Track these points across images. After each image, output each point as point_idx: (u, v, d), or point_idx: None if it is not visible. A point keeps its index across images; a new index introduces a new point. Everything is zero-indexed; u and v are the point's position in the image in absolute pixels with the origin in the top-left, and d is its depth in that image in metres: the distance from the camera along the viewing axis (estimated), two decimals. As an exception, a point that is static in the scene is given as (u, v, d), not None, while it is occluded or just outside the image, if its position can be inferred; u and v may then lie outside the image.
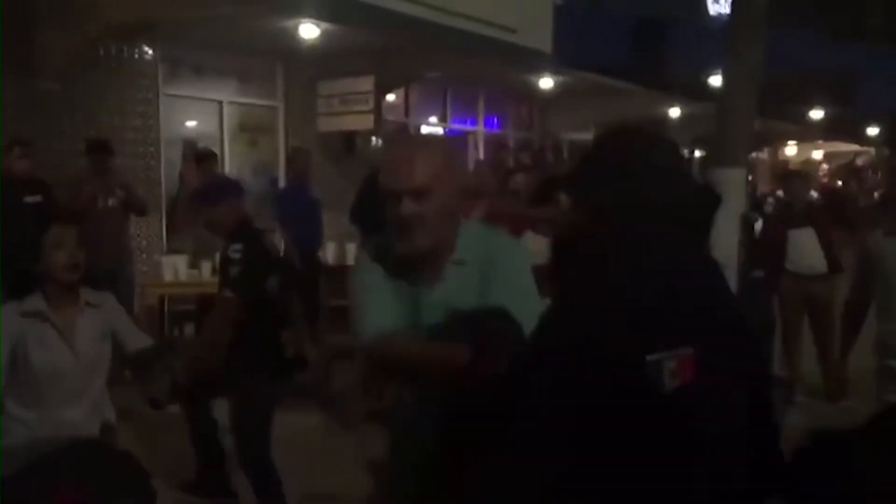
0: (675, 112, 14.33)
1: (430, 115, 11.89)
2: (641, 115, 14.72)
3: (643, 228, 1.56)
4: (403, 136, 2.66)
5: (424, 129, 12.02)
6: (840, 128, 16.23)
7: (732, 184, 6.35)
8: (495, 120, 13.18)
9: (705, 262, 1.65)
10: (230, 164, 9.45)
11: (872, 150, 20.93)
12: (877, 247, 3.56)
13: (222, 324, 3.87)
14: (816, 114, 13.38)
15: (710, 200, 1.69)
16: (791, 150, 21.64)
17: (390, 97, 10.86)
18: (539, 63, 9.67)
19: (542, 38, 9.37)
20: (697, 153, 16.78)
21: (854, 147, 20.80)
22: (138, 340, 3.40)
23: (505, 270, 1.95)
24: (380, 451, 5.38)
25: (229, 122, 9.50)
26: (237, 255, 3.74)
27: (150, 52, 8.49)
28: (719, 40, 11.21)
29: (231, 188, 4.16)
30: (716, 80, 10.91)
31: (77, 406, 3.13)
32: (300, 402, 6.47)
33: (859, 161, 20.99)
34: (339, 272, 8.01)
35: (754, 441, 1.58)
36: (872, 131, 17.38)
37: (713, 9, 14.21)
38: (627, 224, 1.56)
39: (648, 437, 1.44)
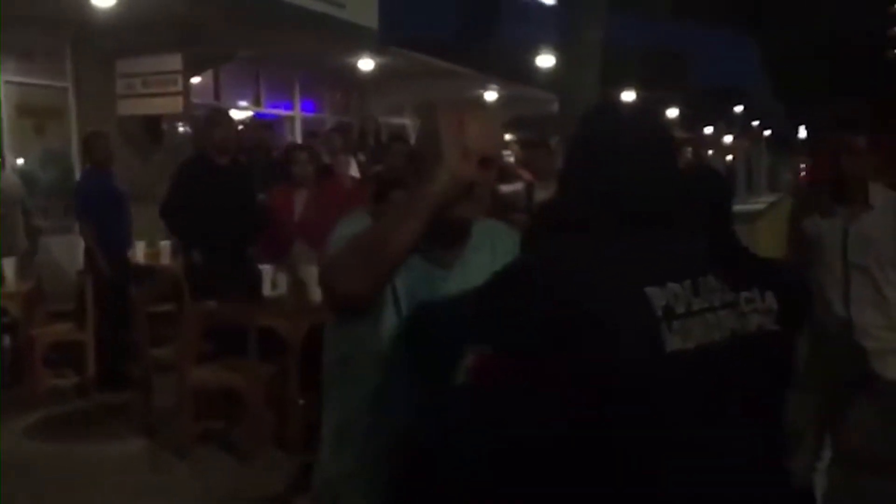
0: (492, 94, 14.25)
1: (243, 97, 11.01)
2: (460, 97, 14.56)
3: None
4: (464, 99, 2.44)
5: (236, 114, 11.12)
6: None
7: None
8: (312, 104, 12.47)
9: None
10: (12, 153, 8.17)
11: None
12: (815, 230, 3.51)
13: None
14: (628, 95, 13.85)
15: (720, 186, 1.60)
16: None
17: (195, 79, 9.90)
18: (366, 41, 9.09)
19: (368, 14, 8.79)
20: (509, 136, 16.91)
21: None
22: None
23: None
24: (217, 481, 4.79)
25: (8, 106, 8.22)
26: None
27: None
28: (539, 22, 11.27)
29: None
30: (542, 62, 10.94)
31: None
32: (116, 425, 5.65)
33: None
34: (153, 274, 7.12)
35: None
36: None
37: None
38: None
39: None
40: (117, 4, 7.31)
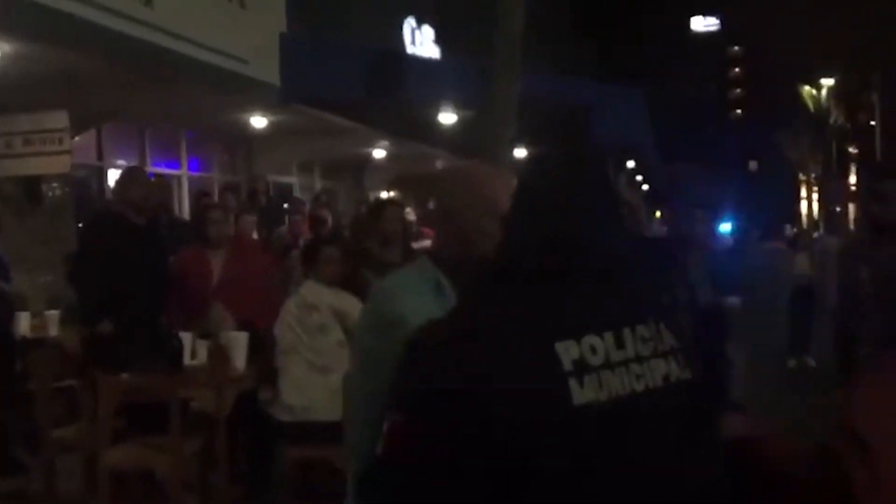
0: (381, 151, 14.23)
1: (126, 156, 10.48)
2: (348, 154, 14.47)
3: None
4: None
5: (116, 173, 10.56)
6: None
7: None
8: (198, 162, 12.03)
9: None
10: None
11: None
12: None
13: None
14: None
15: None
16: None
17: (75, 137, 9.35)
18: (267, 97, 8.84)
19: (271, 71, 8.55)
20: (392, 193, 16.90)
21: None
22: None
23: None
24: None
25: None
26: None
27: None
28: (428, 80, 11.35)
29: None
30: (444, 119, 10.97)
31: None
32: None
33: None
34: (41, 347, 6.51)
35: None
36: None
37: (410, 50, 14.38)
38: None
39: None
40: (-2, 57, 6.81)
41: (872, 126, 43.43)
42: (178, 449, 4.54)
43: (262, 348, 5.18)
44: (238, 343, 5.12)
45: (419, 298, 1.78)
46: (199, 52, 7.48)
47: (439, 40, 15.29)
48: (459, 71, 10.27)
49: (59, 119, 7.65)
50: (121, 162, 10.80)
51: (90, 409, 5.04)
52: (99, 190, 9.80)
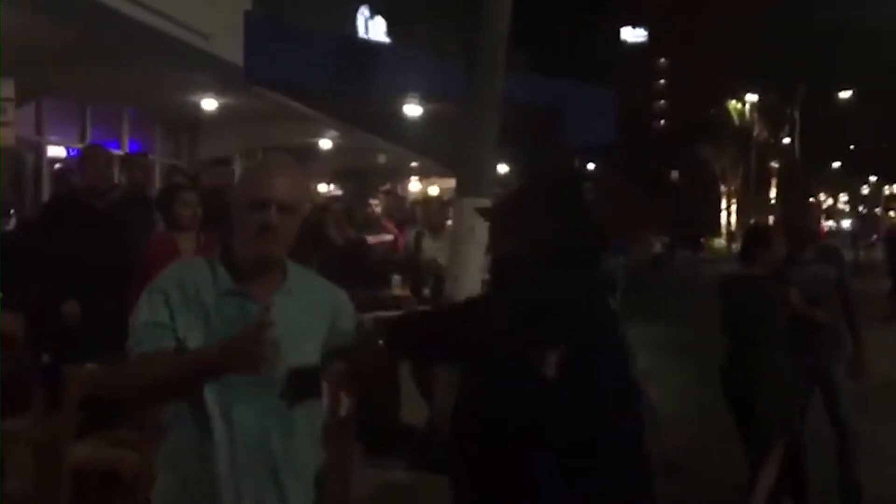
0: (328, 142, 13.88)
1: (66, 132, 9.89)
2: (294, 143, 14.04)
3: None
4: (273, 153, 3.61)
5: (54, 150, 10.00)
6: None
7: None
8: (139, 143, 11.47)
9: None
10: None
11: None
12: None
13: None
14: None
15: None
16: (413, 185, 22.62)
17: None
18: (229, 78, 8.40)
19: (234, 50, 8.10)
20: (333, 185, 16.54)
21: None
22: None
23: (346, 327, 2.24)
24: None
25: None
26: None
27: None
28: (394, 70, 11.08)
29: None
30: (410, 111, 10.68)
31: None
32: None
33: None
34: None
35: None
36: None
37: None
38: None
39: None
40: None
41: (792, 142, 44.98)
42: (147, 447, 4.21)
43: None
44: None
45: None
46: (160, 21, 7.01)
47: (391, 32, 15.02)
48: (424, 63, 10.03)
49: (6, 88, 7.10)
50: (55, 138, 10.22)
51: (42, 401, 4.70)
52: (36, 166, 9.22)
